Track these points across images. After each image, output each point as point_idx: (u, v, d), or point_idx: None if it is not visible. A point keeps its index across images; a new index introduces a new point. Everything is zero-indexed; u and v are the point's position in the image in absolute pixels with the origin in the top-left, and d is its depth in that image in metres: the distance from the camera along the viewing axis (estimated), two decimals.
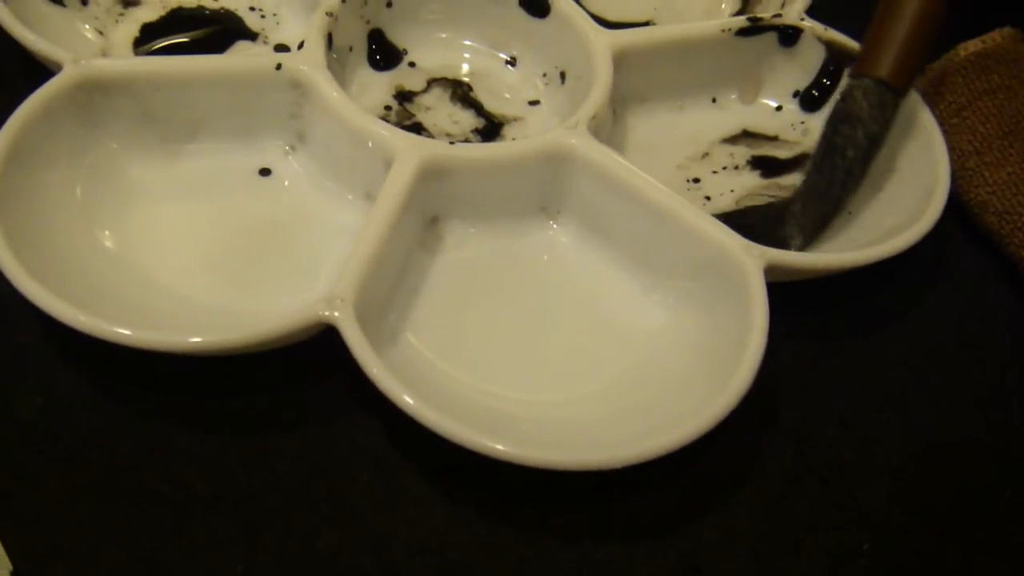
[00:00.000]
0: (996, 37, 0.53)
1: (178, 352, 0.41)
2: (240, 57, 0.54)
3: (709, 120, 0.55)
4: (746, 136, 0.55)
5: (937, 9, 0.49)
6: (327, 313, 0.41)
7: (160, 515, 0.40)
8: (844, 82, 0.53)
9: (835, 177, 0.49)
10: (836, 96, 0.52)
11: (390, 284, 0.46)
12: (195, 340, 0.40)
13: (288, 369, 0.44)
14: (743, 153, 0.54)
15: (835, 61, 0.54)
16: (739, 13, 0.59)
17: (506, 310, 0.47)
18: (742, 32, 0.54)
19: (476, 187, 0.48)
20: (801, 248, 0.48)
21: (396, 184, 0.45)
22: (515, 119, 0.54)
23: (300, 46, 0.51)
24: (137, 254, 0.47)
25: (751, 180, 0.53)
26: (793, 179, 0.52)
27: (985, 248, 0.52)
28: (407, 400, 0.39)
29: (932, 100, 0.52)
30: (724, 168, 0.53)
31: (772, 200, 0.51)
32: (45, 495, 0.41)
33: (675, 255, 0.46)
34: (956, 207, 0.51)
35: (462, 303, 0.47)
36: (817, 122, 0.54)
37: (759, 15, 0.54)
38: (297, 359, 0.44)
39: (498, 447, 0.38)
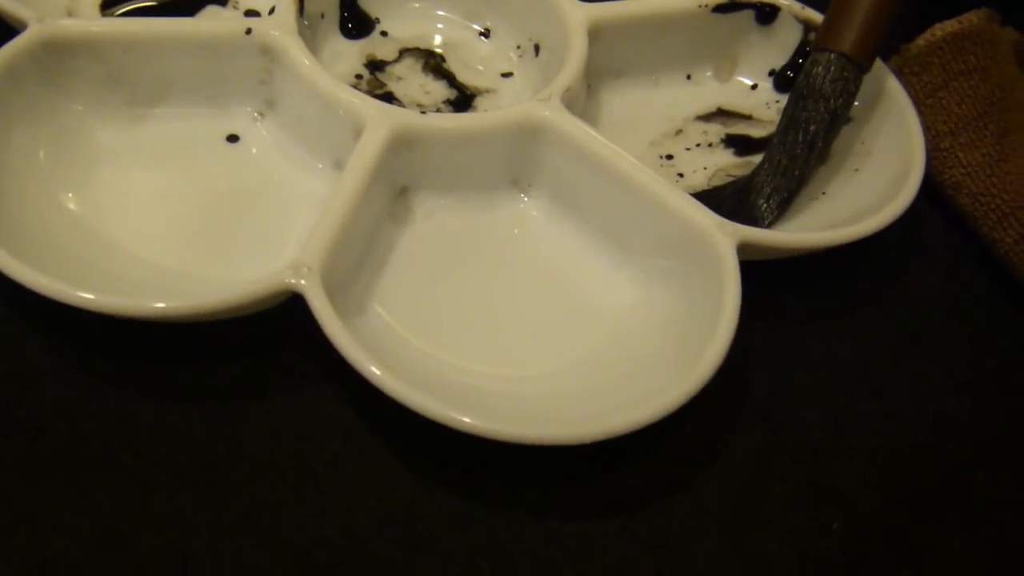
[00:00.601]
0: (973, 18, 0.52)
1: (142, 318, 0.40)
2: (210, 21, 0.53)
3: (684, 97, 0.55)
4: (720, 114, 0.54)
5: None
6: (293, 281, 0.40)
7: (123, 484, 0.40)
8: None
9: (797, 152, 0.49)
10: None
11: (358, 254, 0.45)
12: (159, 306, 0.39)
13: (255, 338, 0.44)
14: (717, 131, 0.53)
15: (811, 41, 0.54)
16: None
17: (475, 283, 0.47)
18: (719, 8, 0.54)
19: (446, 158, 0.47)
20: (768, 225, 0.48)
21: (365, 152, 0.44)
22: (488, 91, 0.53)
23: (271, 11, 0.50)
24: (101, 219, 0.46)
25: (725, 158, 0.52)
26: None
27: (959, 229, 0.52)
28: (373, 371, 0.38)
29: (908, 80, 0.52)
30: (698, 145, 0.53)
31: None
32: (7, 464, 0.40)
33: (647, 231, 0.46)
34: (930, 188, 0.51)
35: (431, 275, 0.46)
36: None
37: None
38: (264, 328, 0.43)
39: (465, 420, 0.38)
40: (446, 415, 0.38)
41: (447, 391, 0.41)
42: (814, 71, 0.49)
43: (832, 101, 0.49)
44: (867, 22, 0.49)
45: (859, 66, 0.49)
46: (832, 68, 0.49)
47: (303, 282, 0.40)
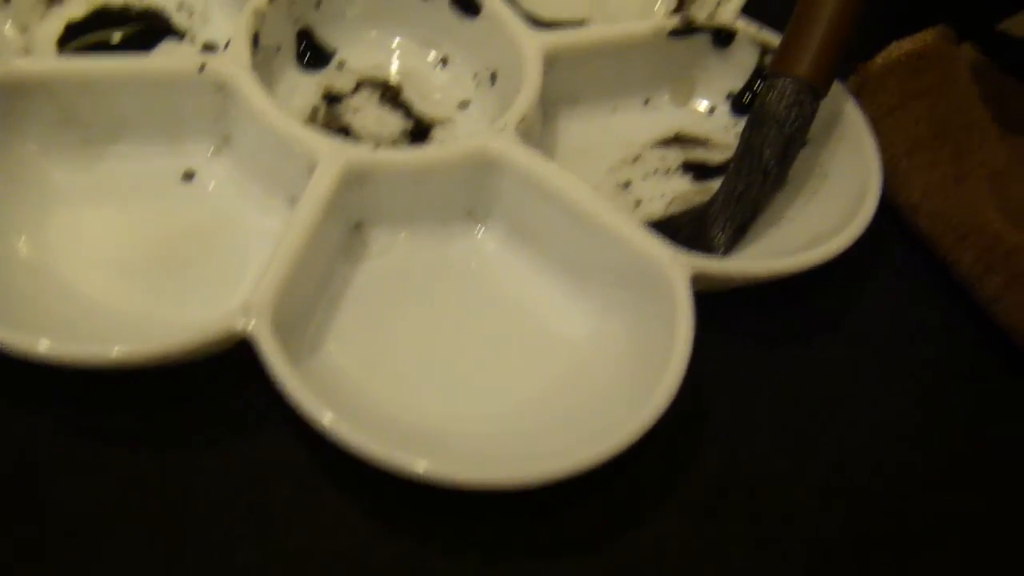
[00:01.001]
0: (927, 37, 0.52)
1: (86, 365, 0.40)
2: (163, 58, 0.52)
3: (642, 122, 0.55)
4: (679, 139, 0.54)
5: (856, 6, 0.49)
6: (242, 325, 0.40)
7: (77, 532, 0.39)
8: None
9: (752, 179, 0.48)
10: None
11: (311, 293, 0.45)
12: (101, 354, 0.39)
13: (212, 378, 0.43)
14: (675, 157, 0.53)
15: (768, 63, 0.53)
16: (674, 12, 0.58)
17: (431, 319, 0.46)
18: (675, 33, 0.53)
19: (401, 192, 0.47)
20: (723, 253, 0.48)
21: (317, 190, 0.44)
22: (445, 121, 0.53)
23: (227, 46, 0.50)
24: (55, 261, 0.45)
25: (682, 184, 0.52)
26: None
27: (918, 250, 0.51)
28: (323, 418, 0.38)
29: (864, 101, 0.52)
30: (655, 172, 0.53)
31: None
32: None
33: (602, 262, 0.46)
34: (889, 209, 0.51)
35: (386, 312, 0.46)
36: None
37: (692, 15, 0.54)
38: (222, 366, 0.43)
39: (419, 467, 0.38)
40: (399, 463, 0.38)
41: (401, 435, 0.41)
42: (769, 96, 0.49)
43: (787, 126, 0.48)
44: (822, 46, 0.49)
45: (815, 90, 0.49)
46: (787, 93, 0.49)
47: (251, 325, 0.40)
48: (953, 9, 0.54)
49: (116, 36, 0.55)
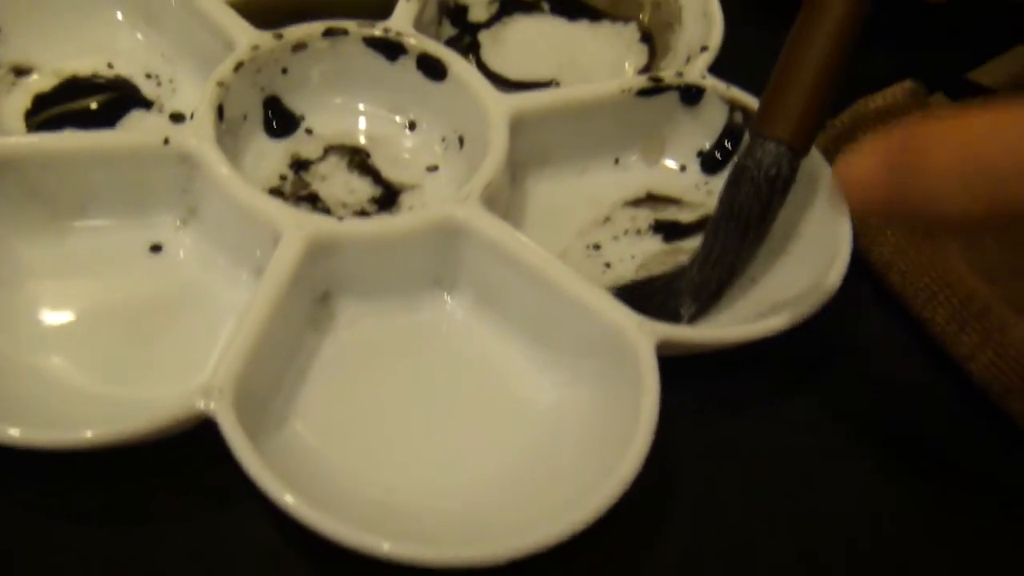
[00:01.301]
0: (897, 92, 0.52)
1: (41, 449, 0.40)
2: (128, 132, 0.53)
3: (612, 182, 0.54)
4: (650, 199, 0.54)
5: (838, 66, 0.48)
6: (202, 405, 0.40)
7: None
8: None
9: (730, 242, 0.48)
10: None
11: (276, 368, 0.44)
12: (53, 439, 0.39)
13: (179, 453, 0.42)
14: (646, 217, 0.53)
15: (738, 120, 0.53)
16: (644, 71, 0.58)
17: (399, 390, 0.46)
18: (643, 92, 0.53)
19: (367, 263, 0.47)
20: (695, 319, 0.47)
21: (282, 262, 0.44)
22: (414, 186, 0.53)
23: (192, 116, 0.49)
24: (18, 342, 0.45)
25: (653, 245, 0.52)
26: (695, 243, 0.50)
27: (891, 308, 0.51)
28: (285, 499, 0.38)
29: (834, 158, 0.52)
30: (626, 232, 0.52)
31: (673, 267, 0.50)
32: None
33: (568, 331, 0.45)
34: (862, 265, 0.50)
35: (353, 385, 0.46)
36: (721, 183, 0.51)
37: (660, 74, 0.54)
38: (189, 441, 0.42)
39: (383, 548, 0.37)
40: (362, 543, 0.37)
41: (366, 512, 0.41)
42: (749, 158, 0.48)
43: (768, 188, 0.48)
44: (804, 107, 0.48)
45: (796, 151, 0.48)
46: (768, 155, 0.48)
47: (213, 406, 0.40)
48: (923, 61, 0.54)
49: (84, 107, 0.54)
